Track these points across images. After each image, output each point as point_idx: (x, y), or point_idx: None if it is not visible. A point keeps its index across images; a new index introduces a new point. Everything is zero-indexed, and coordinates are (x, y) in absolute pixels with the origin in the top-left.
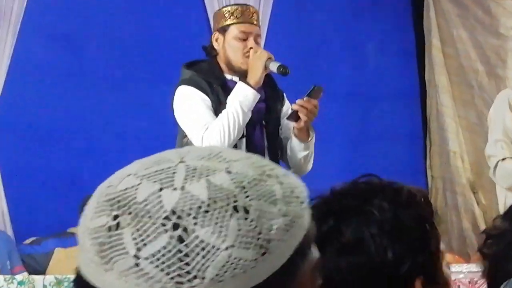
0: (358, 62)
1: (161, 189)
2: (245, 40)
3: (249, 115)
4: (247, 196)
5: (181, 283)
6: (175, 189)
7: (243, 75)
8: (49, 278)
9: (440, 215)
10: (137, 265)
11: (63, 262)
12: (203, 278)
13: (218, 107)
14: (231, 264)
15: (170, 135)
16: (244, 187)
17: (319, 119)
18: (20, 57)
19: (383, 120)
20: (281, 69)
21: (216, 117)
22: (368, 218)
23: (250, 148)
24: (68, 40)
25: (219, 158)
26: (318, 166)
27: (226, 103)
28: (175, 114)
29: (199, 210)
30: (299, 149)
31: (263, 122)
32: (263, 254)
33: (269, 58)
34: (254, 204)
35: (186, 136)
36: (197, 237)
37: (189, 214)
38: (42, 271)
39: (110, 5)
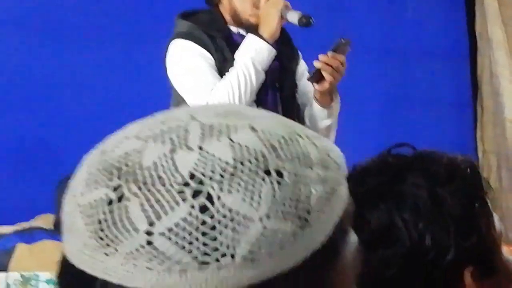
0: (393, 10)
1: (173, 150)
2: None
3: (263, 75)
4: (279, 157)
5: (206, 263)
6: (190, 149)
7: (251, 30)
8: (14, 275)
9: (493, 198)
10: (149, 243)
11: (27, 259)
12: (233, 256)
13: (222, 65)
14: (267, 238)
15: (161, 101)
16: (274, 147)
17: (346, 82)
18: None
19: (424, 82)
20: (303, 20)
21: (221, 77)
22: (399, 200)
23: None
24: None
25: (238, 115)
26: (346, 139)
27: (232, 60)
28: (168, 74)
29: (224, 173)
30: (321, 116)
31: (276, 85)
32: (303, 227)
33: (286, 6)
34: (288, 166)
35: (182, 101)
36: (224, 205)
37: (211, 178)
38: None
39: None
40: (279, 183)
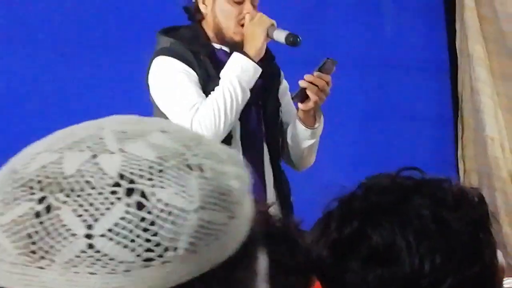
0: (372, 23)
1: (94, 156)
2: (239, 3)
3: (248, 93)
4: (195, 155)
5: (150, 259)
6: (112, 152)
7: (234, 47)
8: None
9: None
10: (91, 246)
11: None
12: (176, 249)
13: (206, 83)
14: (204, 229)
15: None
16: (188, 145)
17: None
18: None
19: (405, 98)
20: (290, 39)
21: (205, 96)
22: (403, 220)
23: (246, 134)
24: None
25: (144, 123)
26: (325, 154)
27: (216, 78)
28: (151, 92)
29: (152, 170)
30: (304, 137)
31: (260, 103)
32: (231, 218)
33: (272, 25)
34: (206, 162)
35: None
36: (159, 200)
37: (142, 176)
38: None
39: None
40: (202, 177)
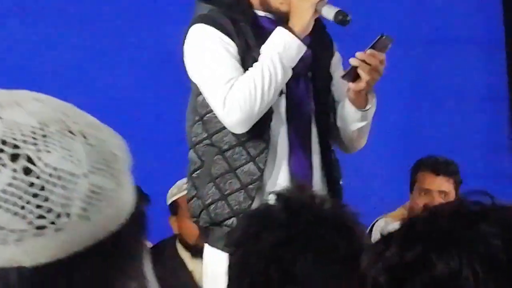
0: None
1: None
2: None
3: (290, 72)
4: (76, 122)
5: (43, 227)
6: None
7: (280, 16)
8: None
9: None
10: None
11: None
12: (69, 215)
13: (246, 53)
14: (95, 194)
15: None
16: (66, 113)
17: None
18: None
19: (454, 74)
20: (339, 17)
21: (243, 68)
22: (471, 249)
23: (292, 108)
24: None
25: (16, 94)
26: (369, 138)
27: (257, 47)
28: (185, 62)
29: (35, 135)
30: (354, 118)
31: (309, 75)
32: (118, 185)
33: (321, 0)
34: (88, 130)
35: (201, 93)
36: (47, 164)
37: (25, 141)
38: None
39: None
40: (87, 143)
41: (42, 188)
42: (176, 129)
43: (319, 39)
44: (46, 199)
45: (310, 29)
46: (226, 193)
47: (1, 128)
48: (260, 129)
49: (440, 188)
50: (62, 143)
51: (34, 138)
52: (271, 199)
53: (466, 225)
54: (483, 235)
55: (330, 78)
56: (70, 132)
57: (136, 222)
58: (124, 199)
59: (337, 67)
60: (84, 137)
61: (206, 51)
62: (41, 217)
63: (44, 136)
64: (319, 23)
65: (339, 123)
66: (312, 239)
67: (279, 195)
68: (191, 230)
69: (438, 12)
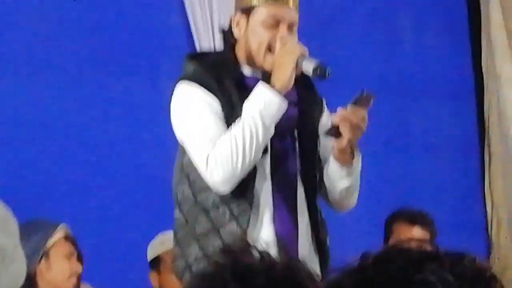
0: (391, 42)
1: None
2: (275, 28)
3: (272, 130)
4: None
5: None
6: None
7: (266, 75)
8: None
9: (504, 258)
10: None
11: None
12: None
13: (230, 112)
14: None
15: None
16: None
17: None
18: None
19: (425, 123)
20: (318, 71)
21: (227, 126)
22: None
23: (277, 167)
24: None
25: None
26: None
27: (240, 106)
28: (172, 122)
29: None
30: (340, 176)
31: (295, 134)
32: (16, 246)
33: (302, 54)
34: None
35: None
36: None
37: None
38: None
39: None
40: None
41: None
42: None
43: (306, 97)
44: None
45: (291, 84)
46: (208, 253)
47: None
48: (243, 188)
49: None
50: None
51: None
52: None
53: (413, 271)
54: (435, 277)
55: (317, 136)
56: None
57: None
58: (21, 261)
59: (326, 126)
60: None
61: (190, 110)
62: None
63: None
64: (307, 81)
65: (326, 182)
66: None
67: (227, 253)
68: (175, 286)
69: (409, 60)
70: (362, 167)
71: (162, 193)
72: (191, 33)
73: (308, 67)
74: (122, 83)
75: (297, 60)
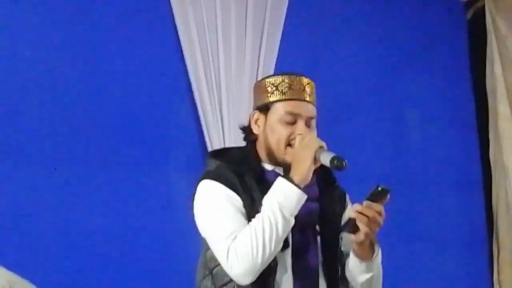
0: (397, 135)
1: None
2: (293, 123)
3: (292, 222)
4: None
5: None
6: None
7: (287, 170)
8: None
9: None
10: None
11: None
12: None
13: (251, 207)
14: None
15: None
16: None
17: None
18: None
19: (432, 217)
20: (335, 162)
21: (248, 221)
22: None
23: (298, 261)
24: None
25: None
26: None
27: (261, 202)
28: (195, 218)
29: None
30: (360, 270)
31: (317, 228)
32: None
33: (321, 147)
34: None
35: (209, 248)
36: None
37: None
38: None
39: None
40: None
41: None
42: None
43: (328, 192)
44: None
45: (310, 177)
46: None
47: None
48: (264, 281)
49: None
50: None
51: None
52: None
53: None
54: None
55: (338, 230)
56: None
57: None
58: None
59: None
60: None
61: (212, 206)
62: None
63: None
64: (328, 173)
65: (348, 275)
66: None
67: None
68: None
69: (417, 152)
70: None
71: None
72: (201, 127)
73: (326, 158)
74: (132, 177)
75: (315, 154)
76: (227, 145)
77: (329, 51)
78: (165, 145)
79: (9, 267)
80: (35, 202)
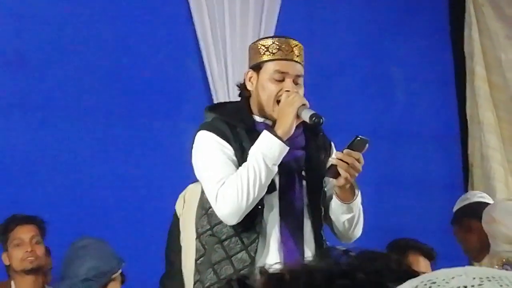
0: (384, 92)
1: None
2: (281, 81)
3: (275, 170)
4: None
5: None
6: None
7: (275, 123)
8: None
9: None
10: None
11: None
12: None
13: (241, 156)
14: None
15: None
16: None
17: None
18: None
19: (414, 165)
20: (313, 119)
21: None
22: None
23: (285, 204)
24: (20, 62)
25: None
26: None
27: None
28: (192, 163)
29: None
30: (341, 211)
31: (303, 173)
32: None
33: (303, 105)
34: None
35: None
36: None
37: None
38: None
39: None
40: None
41: None
42: None
43: (314, 141)
44: None
45: (292, 130)
46: (221, 277)
47: None
48: (252, 221)
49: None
50: None
51: None
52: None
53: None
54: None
55: (322, 177)
56: None
57: None
58: None
59: None
60: None
61: (205, 154)
62: None
63: None
64: (316, 128)
65: (332, 216)
66: None
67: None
68: None
69: (401, 109)
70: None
71: None
72: (208, 83)
73: (306, 115)
74: (147, 126)
75: (297, 111)
76: (231, 100)
77: (323, 16)
78: (177, 99)
79: (41, 206)
80: (62, 150)
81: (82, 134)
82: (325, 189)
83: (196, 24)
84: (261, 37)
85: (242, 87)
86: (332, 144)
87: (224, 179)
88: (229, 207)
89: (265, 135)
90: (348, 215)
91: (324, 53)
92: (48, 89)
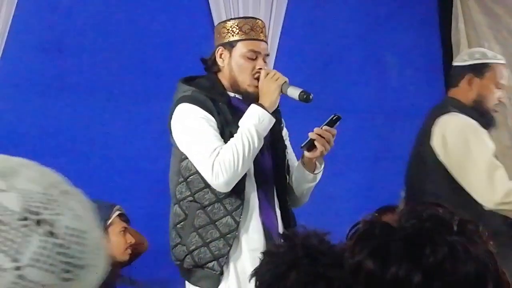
0: (378, 77)
1: None
2: (254, 59)
3: (263, 140)
4: (62, 183)
5: (68, 279)
6: (3, 190)
7: (247, 97)
8: None
9: None
10: (20, 277)
11: None
12: (84, 266)
13: (224, 128)
14: (98, 245)
15: (161, 156)
16: (56, 178)
17: (337, 140)
18: (7, 68)
19: (406, 140)
20: (304, 96)
21: (223, 139)
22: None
23: (259, 173)
24: (56, 48)
25: (8, 160)
26: (335, 190)
27: (233, 123)
28: (173, 135)
29: (48, 200)
30: (306, 180)
31: (268, 144)
32: (102, 236)
33: (285, 82)
34: (72, 190)
35: (184, 159)
36: (65, 226)
37: (45, 208)
38: None
39: (103, 11)
40: (79, 202)
41: (64, 247)
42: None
43: (275, 116)
44: (69, 256)
45: (276, 105)
46: (207, 240)
47: (18, 196)
48: (236, 190)
49: None
50: (65, 204)
51: (48, 204)
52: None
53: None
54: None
55: (285, 147)
56: (66, 192)
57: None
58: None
59: (286, 138)
60: (74, 195)
61: (192, 127)
62: (66, 271)
63: (54, 201)
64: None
65: (293, 184)
66: (334, 280)
67: (293, 237)
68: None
69: (394, 90)
70: (356, 172)
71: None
72: None
73: (294, 92)
74: (147, 105)
75: (281, 87)
76: None
77: (326, 8)
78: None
79: (77, 182)
80: (95, 127)
81: (113, 113)
82: (287, 159)
83: (211, 3)
84: (273, 12)
85: (211, 63)
86: (283, 120)
87: (218, 150)
88: (227, 174)
89: (255, 108)
90: (311, 184)
91: (327, 40)
92: (81, 72)
